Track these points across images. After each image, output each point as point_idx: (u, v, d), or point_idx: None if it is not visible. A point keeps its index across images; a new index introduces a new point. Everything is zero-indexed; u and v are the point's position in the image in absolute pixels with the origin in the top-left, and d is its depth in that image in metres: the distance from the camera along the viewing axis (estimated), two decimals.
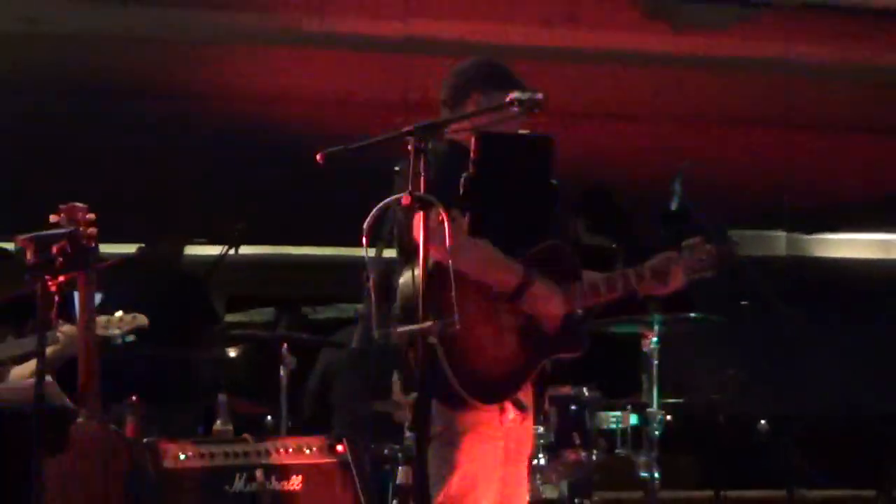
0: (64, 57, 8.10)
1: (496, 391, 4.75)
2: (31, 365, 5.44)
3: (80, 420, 5.24)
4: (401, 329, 4.53)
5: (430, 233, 4.32)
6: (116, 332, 5.60)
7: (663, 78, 8.29)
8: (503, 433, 4.78)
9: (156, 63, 8.47)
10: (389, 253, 4.73)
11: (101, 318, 5.54)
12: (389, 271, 4.76)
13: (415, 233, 4.45)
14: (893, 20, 7.93)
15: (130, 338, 5.71)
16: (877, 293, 11.06)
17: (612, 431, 6.73)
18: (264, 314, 10.02)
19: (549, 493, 5.85)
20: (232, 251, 8.44)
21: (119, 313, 5.66)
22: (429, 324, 4.41)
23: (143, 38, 8.16)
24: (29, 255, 4.96)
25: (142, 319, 5.72)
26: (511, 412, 4.80)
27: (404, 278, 4.67)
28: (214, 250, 8.39)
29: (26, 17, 7.52)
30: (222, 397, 7.65)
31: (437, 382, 4.56)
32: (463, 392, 4.63)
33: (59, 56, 8.07)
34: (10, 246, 5.16)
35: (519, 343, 4.77)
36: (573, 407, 6.46)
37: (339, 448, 5.87)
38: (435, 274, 4.32)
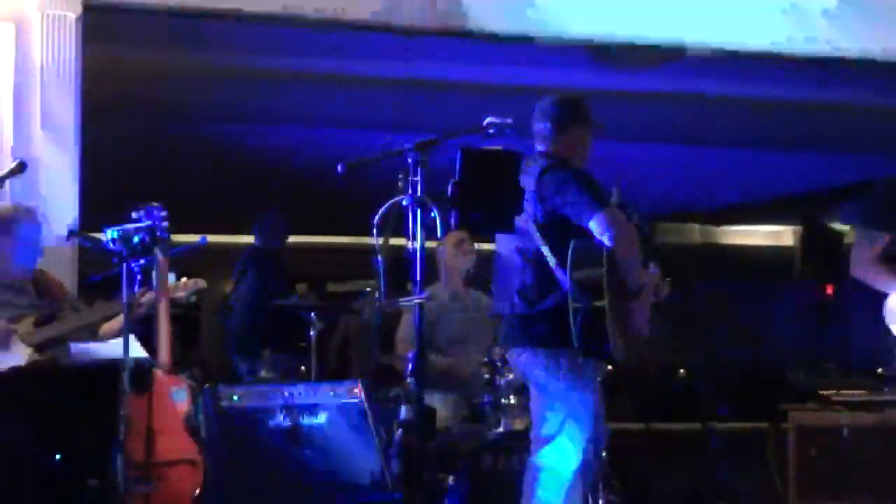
0: (143, 89, 8.11)
1: (629, 353, 4.80)
2: (116, 323, 5.43)
3: (156, 369, 5.26)
4: (402, 300, 4.55)
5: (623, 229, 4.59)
6: (182, 294, 5.55)
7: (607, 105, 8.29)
8: None
9: (218, 94, 8.47)
10: (395, 241, 4.74)
11: (171, 283, 5.50)
12: (394, 255, 4.77)
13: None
14: (775, 63, 7.96)
15: (193, 298, 5.65)
16: (769, 271, 11.11)
17: None
18: (297, 288, 10.01)
19: (517, 425, 5.84)
20: None
21: (184, 279, 5.60)
22: (425, 295, 4.43)
23: (207, 74, 8.16)
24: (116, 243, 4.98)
25: (201, 283, 5.66)
26: None
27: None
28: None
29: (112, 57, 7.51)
30: (266, 351, 7.68)
31: (597, 338, 4.63)
32: (617, 350, 4.67)
33: (141, 89, 8.08)
34: (101, 236, 5.15)
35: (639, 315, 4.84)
36: None
37: (356, 391, 5.88)
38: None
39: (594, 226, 4.65)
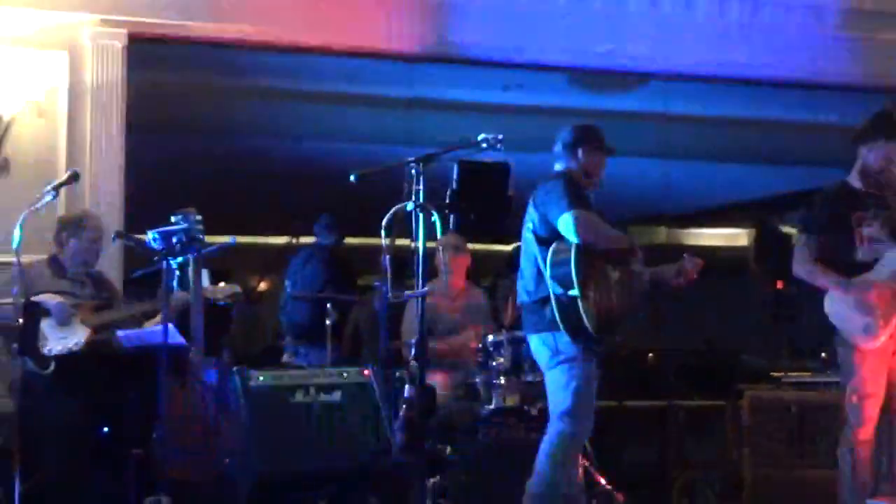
0: (181, 109, 8.11)
1: (608, 329, 4.80)
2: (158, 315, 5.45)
3: (191, 353, 5.28)
4: (407, 294, 4.57)
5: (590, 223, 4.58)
6: (219, 296, 5.57)
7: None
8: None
9: (247, 113, 8.48)
10: (400, 242, 4.75)
11: (209, 287, 5.53)
12: (400, 254, 4.77)
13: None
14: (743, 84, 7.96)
15: (229, 301, 5.66)
16: (725, 268, 11.11)
17: None
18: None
19: (508, 402, 5.85)
20: (294, 241, 8.44)
21: (221, 284, 5.62)
22: (426, 289, 4.44)
23: (237, 96, 8.16)
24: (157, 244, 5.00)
25: (237, 289, 5.68)
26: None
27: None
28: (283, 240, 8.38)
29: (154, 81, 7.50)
30: (287, 338, 7.66)
31: (575, 322, 4.64)
32: (591, 330, 4.67)
33: (179, 109, 8.08)
34: (144, 237, 5.16)
35: (618, 295, 4.81)
36: (524, 344, 6.44)
37: (366, 372, 5.89)
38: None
39: (561, 224, 4.68)
